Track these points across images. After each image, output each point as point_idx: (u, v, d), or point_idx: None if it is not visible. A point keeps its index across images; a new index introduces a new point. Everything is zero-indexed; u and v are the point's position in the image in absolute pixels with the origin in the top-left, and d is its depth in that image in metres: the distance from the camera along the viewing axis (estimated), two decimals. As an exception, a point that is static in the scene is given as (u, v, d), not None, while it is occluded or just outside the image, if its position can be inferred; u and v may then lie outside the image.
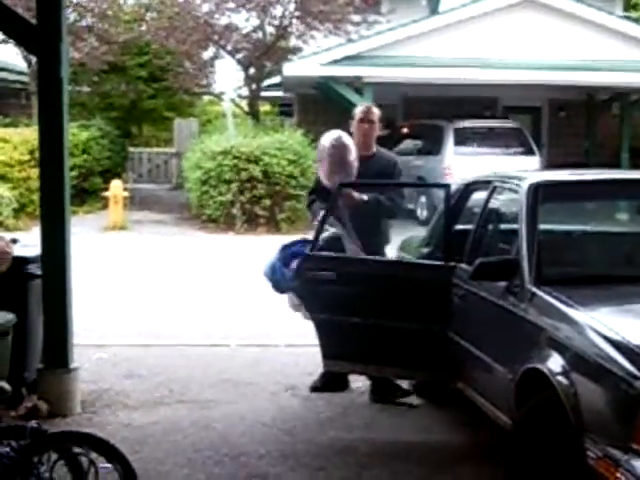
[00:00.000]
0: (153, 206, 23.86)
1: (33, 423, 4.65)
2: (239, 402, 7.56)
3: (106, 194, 20.61)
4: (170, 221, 21.42)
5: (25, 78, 25.02)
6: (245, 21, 25.48)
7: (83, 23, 24.92)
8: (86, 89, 29.05)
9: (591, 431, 4.47)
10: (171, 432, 6.79)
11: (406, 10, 24.47)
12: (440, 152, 20.68)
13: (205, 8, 24.96)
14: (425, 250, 7.68)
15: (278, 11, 24.83)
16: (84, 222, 19.30)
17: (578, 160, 23.49)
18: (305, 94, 23.25)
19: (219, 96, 30.55)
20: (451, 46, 20.38)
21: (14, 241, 7.43)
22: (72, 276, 7.28)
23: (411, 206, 21.13)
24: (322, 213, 7.26)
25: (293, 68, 20.92)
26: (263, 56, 25.49)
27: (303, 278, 7.04)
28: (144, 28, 26.93)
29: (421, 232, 9.33)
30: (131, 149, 30.38)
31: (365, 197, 7.52)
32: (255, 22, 25.35)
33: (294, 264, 7.17)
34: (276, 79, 25.73)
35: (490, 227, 6.78)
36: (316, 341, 7.19)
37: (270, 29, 25.43)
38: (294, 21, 25.11)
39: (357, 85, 20.43)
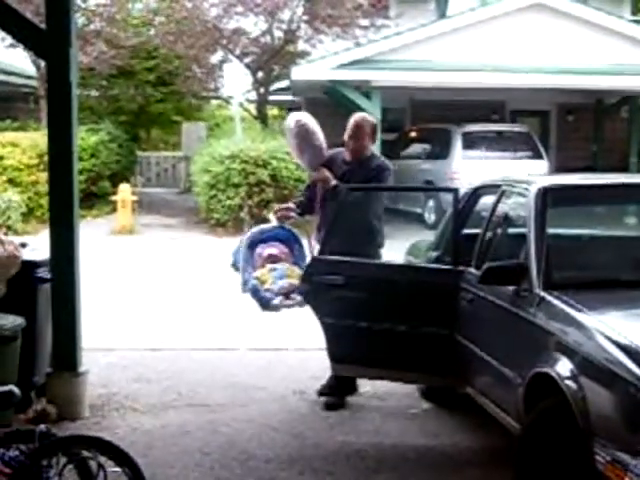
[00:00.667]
0: (161, 210, 23.88)
1: (42, 427, 4.65)
2: (248, 406, 7.56)
3: (114, 198, 20.64)
4: (178, 225, 21.43)
5: (34, 82, 25.05)
6: (253, 25, 25.51)
7: (92, 27, 24.94)
8: (95, 93, 29.07)
9: (600, 435, 4.46)
10: (179, 436, 6.80)
11: (414, 14, 24.49)
12: (448, 156, 20.66)
13: (213, 12, 24.97)
14: (433, 254, 7.67)
15: (286, 15, 24.86)
16: (93, 226, 19.33)
17: (586, 164, 23.47)
18: (313, 98, 23.24)
19: (227, 100, 30.61)
20: (459, 50, 20.35)
21: (23, 245, 7.45)
22: (81, 280, 7.29)
23: (419, 210, 21.15)
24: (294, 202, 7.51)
25: (301, 72, 20.92)
26: (271, 60, 25.51)
27: (311, 282, 7.05)
28: (152, 32, 26.96)
29: (429, 236, 9.31)
30: (139, 153, 30.41)
31: (334, 182, 7.53)
32: (263, 26, 25.37)
33: (258, 249, 7.49)
34: (284, 83, 25.75)
35: (498, 231, 6.77)
36: (324, 345, 7.20)
37: (278, 33, 25.44)
38: (302, 25, 25.13)
39: (365, 89, 20.43)
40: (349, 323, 6.90)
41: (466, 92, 21.87)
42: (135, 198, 20.89)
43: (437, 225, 9.89)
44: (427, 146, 22.44)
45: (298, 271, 7.38)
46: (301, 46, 26.52)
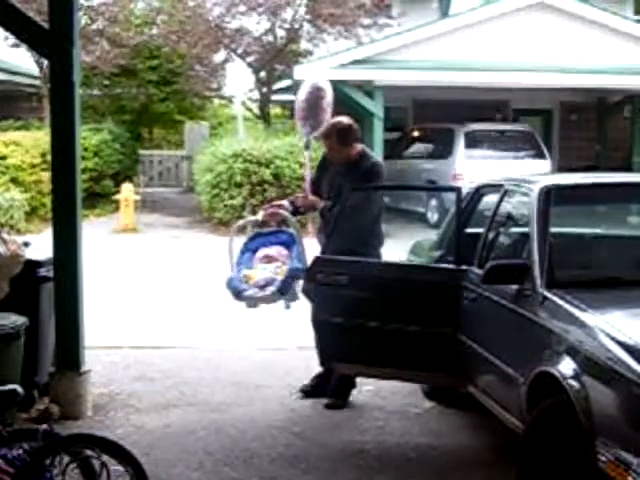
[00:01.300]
0: (164, 209, 23.90)
1: (45, 426, 4.66)
2: (250, 405, 7.57)
3: (117, 197, 20.67)
4: (181, 224, 21.44)
5: (36, 81, 25.06)
6: (256, 24, 25.50)
7: (94, 27, 24.95)
8: (97, 92, 29.10)
9: (602, 434, 4.46)
10: (182, 435, 6.80)
11: (417, 13, 24.49)
12: (451, 155, 20.67)
13: (216, 12, 24.97)
14: (436, 253, 7.68)
15: (289, 14, 24.85)
16: (95, 225, 19.36)
17: (589, 163, 23.46)
18: (316, 97, 23.20)
19: (230, 99, 30.61)
20: (462, 49, 20.35)
21: (26, 244, 7.46)
22: (84, 279, 7.30)
23: (422, 209, 21.15)
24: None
25: (304, 71, 20.87)
26: (274, 59, 25.50)
27: (315, 281, 7.05)
28: (155, 32, 26.99)
29: (432, 235, 9.31)
30: (142, 152, 30.42)
31: (322, 204, 7.57)
32: (266, 25, 25.36)
33: (259, 252, 7.42)
34: (287, 82, 25.70)
35: (501, 230, 6.77)
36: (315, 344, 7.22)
37: (281, 32, 25.44)
38: (305, 24, 25.12)
39: (368, 88, 20.43)
40: (352, 322, 6.90)
41: (469, 91, 21.86)
42: (138, 197, 20.93)
43: (440, 224, 9.89)
44: (430, 145, 22.46)
45: (286, 269, 7.33)
46: (304, 45, 26.53)
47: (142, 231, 20.02)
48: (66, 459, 4.54)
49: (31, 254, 7.32)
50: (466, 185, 8.15)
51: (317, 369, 7.68)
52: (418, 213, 21.30)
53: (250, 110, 29.04)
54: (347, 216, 7.22)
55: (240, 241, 7.55)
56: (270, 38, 25.60)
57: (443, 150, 21.16)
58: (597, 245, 6.84)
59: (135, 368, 8.65)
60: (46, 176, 18.57)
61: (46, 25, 7.23)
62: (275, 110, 33.32)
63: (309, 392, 7.72)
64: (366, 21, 24.70)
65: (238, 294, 7.08)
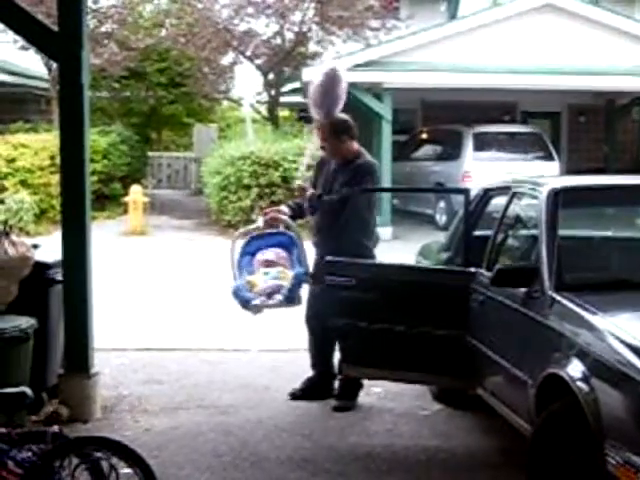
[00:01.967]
0: (172, 211, 23.93)
1: (54, 428, 4.67)
2: (259, 407, 7.57)
3: (126, 199, 20.69)
4: (189, 226, 21.46)
5: (45, 84, 25.11)
6: (264, 27, 25.52)
7: (103, 29, 24.99)
8: (106, 95, 29.16)
9: (611, 437, 4.46)
10: (191, 437, 6.81)
11: (425, 15, 24.50)
12: (459, 157, 20.65)
13: (224, 14, 25.00)
14: (444, 255, 7.67)
15: (297, 17, 24.85)
16: (104, 227, 19.36)
17: (598, 165, 23.43)
18: (324, 100, 23.19)
19: (238, 102, 30.62)
20: (470, 51, 20.33)
21: (35, 246, 7.47)
22: (92, 281, 7.31)
23: (430, 211, 21.14)
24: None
25: (312, 73, 20.85)
26: (282, 62, 25.52)
27: (322, 284, 7.06)
28: (164, 34, 27.04)
29: (440, 237, 9.30)
30: (151, 155, 30.47)
31: (310, 191, 7.60)
32: (274, 28, 25.38)
33: (258, 255, 7.47)
34: (295, 84, 25.71)
35: (510, 233, 6.77)
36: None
37: (289, 35, 25.45)
38: (313, 27, 25.12)
39: (376, 91, 20.42)
40: (360, 325, 6.90)
41: (477, 93, 21.84)
42: (146, 199, 20.94)
43: (448, 226, 9.88)
44: (438, 147, 22.45)
45: (290, 274, 7.31)
46: (312, 48, 26.53)
47: (151, 233, 20.04)
48: (75, 461, 4.55)
49: (40, 256, 7.34)
50: (475, 187, 8.14)
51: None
52: (426, 215, 21.29)
53: (259, 112, 29.06)
54: (336, 216, 7.31)
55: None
56: (278, 40, 25.62)
57: (451, 152, 21.15)
58: (606, 247, 6.82)
59: (144, 370, 8.66)
60: (55, 178, 18.59)
61: (55, 28, 7.25)
62: (283, 112, 33.34)
63: (298, 396, 7.71)
64: (374, 23, 24.71)
65: (246, 304, 7.11)
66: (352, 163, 7.54)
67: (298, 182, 7.91)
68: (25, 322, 6.81)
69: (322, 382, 7.73)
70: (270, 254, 7.44)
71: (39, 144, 20.74)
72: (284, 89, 26.85)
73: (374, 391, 7.86)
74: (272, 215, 7.61)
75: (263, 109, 28.46)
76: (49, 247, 7.86)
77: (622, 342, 4.62)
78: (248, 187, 19.19)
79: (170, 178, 31.57)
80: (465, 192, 7.21)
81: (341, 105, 7.63)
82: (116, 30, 25.11)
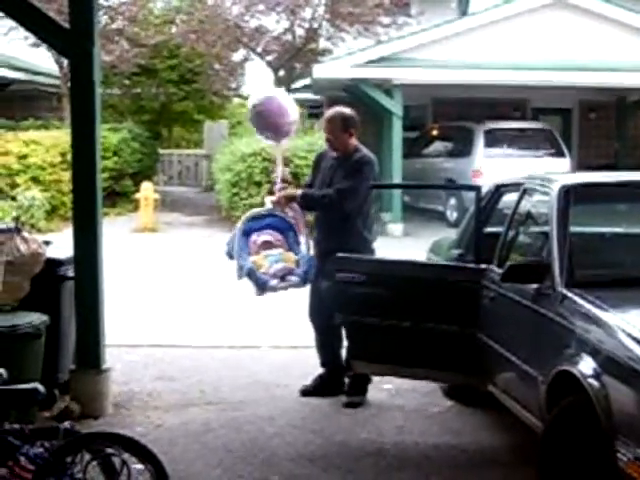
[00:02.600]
0: (183, 208, 23.96)
1: (66, 424, 4.69)
2: (269, 403, 7.58)
3: (137, 196, 20.72)
4: (200, 223, 21.48)
5: (57, 81, 25.16)
6: (275, 23, 25.53)
7: (114, 26, 25.04)
8: (117, 92, 29.20)
9: (622, 434, 4.45)
10: (202, 433, 6.82)
11: (435, 12, 24.44)
12: (470, 154, 20.63)
13: (235, 11, 25.03)
14: (455, 252, 7.67)
15: (308, 13, 24.87)
16: (115, 224, 19.39)
17: (609, 162, 23.37)
18: (335, 96, 23.20)
19: (249, 98, 30.62)
20: (481, 48, 20.29)
21: (46, 243, 7.50)
22: (104, 277, 7.33)
23: (441, 208, 21.13)
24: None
25: (323, 70, 20.91)
26: (293, 58, 25.53)
27: (333, 279, 7.08)
28: (174, 31, 27.06)
29: (451, 234, 9.30)
30: (162, 151, 30.50)
31: (298, 192, 7.80)
32: (285, 24, 25.39)
33: (253, 237, 7.49)
34: (306, 81, 25.75)
35: (521, 229, 6.76)
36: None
37: (300, 31, 25.46)
38: (324, 23, 25.12)
39: (387, 87, 20.41)
40: (371, 321, 6.91)
41: (488, 90, 21.80)
42: (157, 196, 20.96)
43: (459, 223, 9.88)
44: (449, 144, 22.42)
45: (293, 256, 7.43)
46: (323, 44, 26.52)
47: (162, 230, 20.06)
48: (87, 457, 4.56)
49: (52, 253, 7.36)
50: (486, 184, 8.14)
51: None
52: (437, 212, 21.28)
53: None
54: (343, 210, 7.34)
55: None
56: (289, 37, 25.63)
57: (462, 148, 21.13)
58: (617, 244, 6.81)
59: (155, 366, 8.68)
60: (66, 175, 18.62)
61: (66, 25, 7.26)
62: (294, 109, 33.26)
63: (309, 392, 7.72)
64: (385, 20, 24.70)
65: (264, 285, 7.17)
66: (352, 157, 7.56)
67: (274, 196, 7.86)
68: (37, 318, 6.84)
69: (332, 378, 7.73)
70: (267, 236, 7.52)
71: (50, 141, 20.78)
72: (295, 86, 26.84)
73: (385, 388, 7.86)
74: (279, 197, 7.69)
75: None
76: (60, 244, 7.88)
77: (633, 339, 4.61)
78: (259, 184, 19.18)
79: (181, 175, 31.61)
80: (476, 189, 7.21)
81: (288, 122, 7.68)
82: (127, 27, 25.15)
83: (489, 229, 7.16)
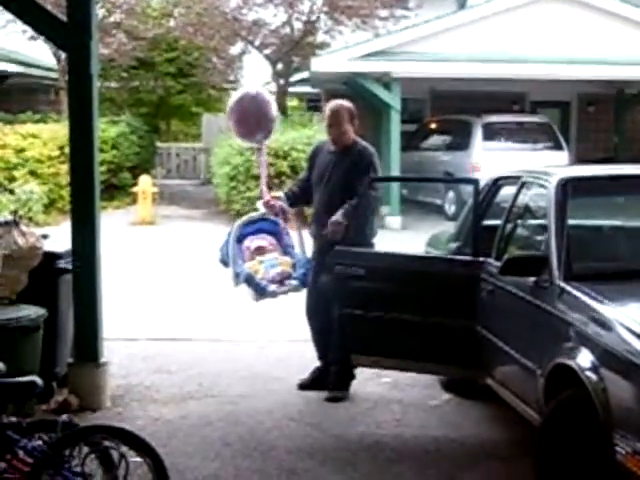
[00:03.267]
0: (181, 201, 23.95)
1: (64, 417, 4.69)
2: (268, 397, 7.58)
3: (135, 189, 20.70)
4: (199, 216, 21.48)
5: (54, 74, 25.14)
6: (273, 16, 25.50)
7: (112, 19, 25.01)
8: (115, 85, 29.19)
9: (620, 427, 4.46)
10: (200, 426, 6.83)
11: (434, 5, 24.39)
12: (468, 147, 20.62)
13: (233, 4, 25.01)
14: (453, 245, 7.67)
15: (306, 6, 24.84)
16: (113, 217, 19.38)
17: (607, 155, 23.37)
18: (333, 89, 23.20)
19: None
20: (479, 41, 20.28)
21: (44, 236, 7.49)
22: (102, 271, 7.32)
23: (439, 201, 21.12)
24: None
25: (321, 63, 20.88)
26: (291, 51, 25.50)
27: (332, 273, 7.08)
28: (172, 24, 27.03)
29: (449, 227, 9.30)
30: (160, 145, 30.49)
31: (286, 207, 7.69)
32: (283, 17, 25.37)
33: (246, 242, 7.50)
34: (304, 74, 25.73)
35: (519, 222, 6.76)
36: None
37: (298, 24, 25.44)
38: (322, 16, 25.10)
39: (385, 80, 20.39)
40: (370, 314, 6.92)
41: (486, 83, 21.78)
42: (155, 189, 20.95)
43: (457, 216, 9.88)
44: (447, 137, 22.41)
45: (289, 260, 7.44)
46: (321, 37, 26.51)
47: (160, 223, 20.06)
48: (85, 450, 4.56)
49: (49, 246, 7.36)
50: (484, 177, 8.13)
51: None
52: (435, 205, 21.28)
53: (267, 102, 29.00)
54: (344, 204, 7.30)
55: None
56: (287, 30, 25.61)
57: (460, 142, 21.12)
58: (615, 237, 6.81)
59: (153, 360, 8.68)
60: (64, 168, 18.63)
61: (64, 18, 7.25)
62: (292, 102, 33.33)
63: (307, 386, 7.72)
64: (383, 13, 24.68)
65: (262, 291, 7.14)
66: (352, 150, 7.55)
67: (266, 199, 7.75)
68: (35, 312, 6.84)
69: (327, 372, 7.72)
70: (260, 241, 7.50)
71: (48, 134, 20.76)
72: (293, 79, 26.84)
73: (383, 381, 7.87)
74: (273, 202, 7.64)
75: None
76: (58, 237, 7.88)
77: (631, 332, 4.62)
78: (257, 177, 19.09)
79: (179, 168, 31.60)
80: (474, 182, 7.21)
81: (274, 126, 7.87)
82: (125, 20, 25.11)
83: (487, 222, 7.16)
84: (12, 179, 19.76)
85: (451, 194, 20.40)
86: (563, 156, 20.16)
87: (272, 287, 7.21)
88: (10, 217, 7.31)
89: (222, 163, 20.31)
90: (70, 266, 7.26)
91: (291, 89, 27.53)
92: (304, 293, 7.69)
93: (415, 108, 24.48)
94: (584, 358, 4.83)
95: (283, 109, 26.22)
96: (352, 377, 7.62)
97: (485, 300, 6.50)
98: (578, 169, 8.49)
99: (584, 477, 4.80)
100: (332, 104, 7.75)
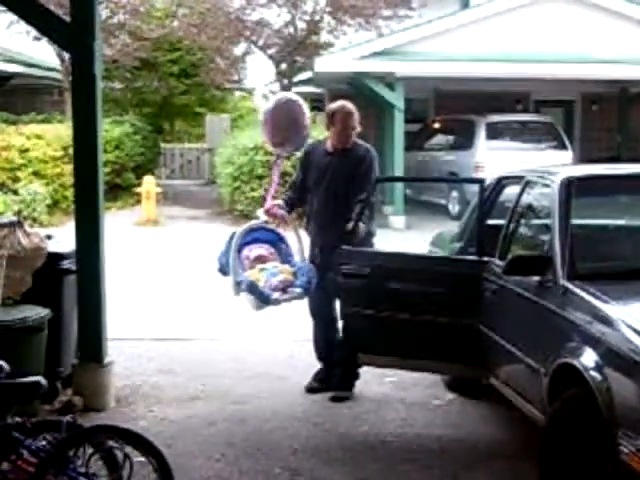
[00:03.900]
0: (185, 202, 23.96)
1: (68, 417, 4.69)
2: (272, 397, 7.59)
3: (139, 190, 20.72)
4: (202, 216, 21.48)
5: (58, 75, 25.16)
6: (276, 17, 25.53)
7: (115, 20, 25.04)
8: (119, 85, 29.21)
9: (624, 426, 4.45)
10: (205, 426, 6.83)
11: (437, 4, 24.38)
12: (472, 147, 20.61)
13: (236, 4, 25.02)
14: (457, 245, 7.67)
15: (309, 6, 24.87)
16: (117, 218, 19.41)
17: (611, 154, 23.35)
18: (336, 89, 23.22)
19: (250, 92, 30.63)
20: (483, 40, 20.27)
21: (48, 237, 7.50)
22: (106, 271, 7.33)
23: (443, 201, 21.12)
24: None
25: (324, 63, 20.89)
26: (294, 51, 25.51)
27: (338, 272, 7.08)
28: (176, 24, 27.04)
29: (453, 227, 9.29)
30: (163, 145, 30.49)
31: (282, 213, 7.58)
32: (286, 17, 25.39)
33: (245, 252, 7.38)
34: (307, 74, 25.72)
35: (523, 222, 6.76)
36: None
37: (301, 24, 25.44)
38: (325, 16, 25.10)
39: (388, 80, 20.39)
40: (375, 313, 6.93)
41: (490, 82, 21.79)
42: (159, 190, 20.96)
43: (461, 216, 9.88)
44: (451, 137, 22.42)
45: (289, 268, 7.31)
46: (324, 37, 26.51)
47: (164, 223, 20.07)
48: (89, 450, 4.57)
49: (53, 247, 7.37)
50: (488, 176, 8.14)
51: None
52: (439, 205, 21.28)
53: (271, 102, 29.02)
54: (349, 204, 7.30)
55: None
56: (291, 30, 25.61)
57: (464, 141, 21.12)
58: (619, 237, 6.80)
59: (158, 360, 8.68)
60: (68, 169, 18.64)
61: (67, 18, 7.26)
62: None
63: (317, 389, 7.70)
64: (386, 13, 24.68)
65: (266, 299, 7.05)
66: (352, 150, 7.55)
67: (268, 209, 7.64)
68: (39, 312, 6.85)
69: (331, 372, 7.73)
70: (260, 250, 7.43)
71: (52, 134, 20.78)
72: (296, 79, 26.83)
73: (387, 381, 7.87)
74: (274, 211, 7.55)
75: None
76: (62, 238, 7.88)
77: (635, 331, 4.61)
78: (261, 177, 19.18)
79: (183, 168, 31.60)
80: (480, 182, 7.21)
81: (307, 134, 7.63)
82: (128, 20, 25.15)
83: (491, 222, 7.15)
84: (16, 179, 19.81)
85: (455, 194, 20.41)
86: (567, 155, 20.15)
87: (275, 295, 7.10)
88: (14, 217, 7.32)
89: (226, 163, 20.33)
90: (74, 266, 7.27)
91: (294, 89, 27.45)
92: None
93: (419, 108, 24.47)
94: (588, 357, 4.82)
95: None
96: (356, 377, 7.62)
97: (489, 299, 6.49)
98: (582, 168, 8.47)
99: (588, 476, 4.80)
100: (346, 105, 7.62)
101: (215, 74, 27.45)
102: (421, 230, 16.68)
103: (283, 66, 26.13)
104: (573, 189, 5.94)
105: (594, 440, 4.72)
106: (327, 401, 7.46)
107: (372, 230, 7.58)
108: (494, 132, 20.67)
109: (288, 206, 7.69)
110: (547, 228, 6.00)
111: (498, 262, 6.38)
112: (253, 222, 7.68)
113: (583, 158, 22.49)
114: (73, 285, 7.27)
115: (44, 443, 4.58)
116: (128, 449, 4.59)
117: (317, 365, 7.83)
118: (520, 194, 6.67)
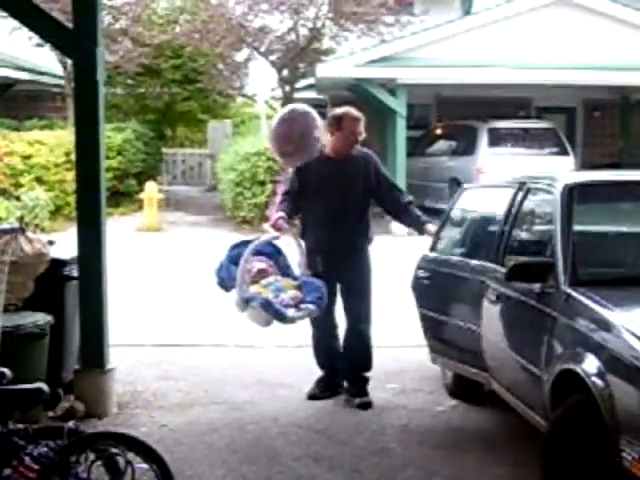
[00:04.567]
0: (187, 208, 23.96)
1: (70, 424, 4.69)
2: (274, 403, 7.58)
3: (141, 196, 20.74)
4: (205, 223, 21.49)
5: (60, 81, 25.18)
6: (278, 23, 25.52)
7: (118, 26, 25.06)
8: (121, 91, 29.23)
9: (626, 432, 4.45)
10: (206, 433, 6.83)
11: (439, 11, 24.45)
12: (474, 153, 20.61)
13: (238, 10, 25.01)
14: (458, 250, 7.68)
15: (311, 13, 24.85)
16: (119, 224, 19.41)
17: (613, 160, 23.34)
18: (338, 95, 23.22)
19: (253, 98, 30.63)
20: (485, 47, 20.29)
21: (50, 243, 7.50)
22: (108, 277, 7.33)
23: (444, 207, 21.10)
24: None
25: (326, 69, 20.91)
26: (296, 57, 25.51)
27: (414, 276, 7.79)
28: (178, 31, 27.08)
29: (455, 233, 9.28)
30: (165, 151, 30.50)
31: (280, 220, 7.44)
32: (288, 24, 25.38)
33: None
34: (309, 80, 25.75)
35: (525, 228, 6.76)
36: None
37: (303, 31, 25.44)
38: (327, 22, 25.11)
39: (391, 86, 20.42)
40: (436, 316, 7.42)
41: (492, 89, 21.80)
42: (161, 196, 20.99)
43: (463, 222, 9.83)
44: (453, 143, 22.40)
45: (291, 281, 7.19)
46: (326, 43, 26.52)
47: (166, 229, 20.08)
48: (91, 456, 4.56)
49: (56, 253, 7.36)
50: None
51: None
52: (442, 211, 21.22)
53: (273, 108, 29.06)
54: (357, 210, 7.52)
55: None
56: (293, 36, 25.62)
57: (466, 147, 21.11)
58: (621, 243, 6.78)
59: (159, 366, 8.68)
60: (70, 175, 18.66)
61: (70, 25, 7.27)
62: (298, 108, 33.24)
63: (319, 396, 7.69)
64: (388, 19, 24.67)
65: (282, 317, 6.84)
66: (354, 156, 7.58)
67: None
68: (41, 318, 6.85)
69: (332, 379, 7.73)
70: (261, 264, 7.30)
71: (54, 141, 20.80)
72: (298, 85, 26.84)
73: (389, 387, 7.87)
74: (280, 224, 7.39)
75: (277, 105, 28.47)
76: (64, 244, 7.88)
77: (637, 337, 4.61)
78: (263, 183, 19.21)
79: (185, 174, 31.60)
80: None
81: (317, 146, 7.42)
82: (130, 27, 25.16)
83: (492, 227, 7.15)
84: (18, 185, 19.81)
85: (457, 199, 20.36)
86: (569, 161, 20.14)
87: (290, 312, 6.88)
88: (16, 224, 7.31)
89: (228, 169, 20.34)
90: (76, 273, 7.27)
91: (297, 95, 27.50)
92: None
93: (421, 114, 24.48)
94: (590, 364, 4.82)
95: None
96: (366, 380, 7.65)
97: (490, 306, 6.49)
98: (584, 175, 8.47)
99: (591, 483, 4.80)
100: (353, 112, 7.55)
101: (217, 80, 27.46)
102: (423, 237, 16.64)
103: (285, 72, 26.13)
104: (575, 195, 5.94)
105: (596, 447, 4.72)
106: (329, 407, 7.47)
107: (370, 236, 7.63)
108: (496, 138, 20.65)
109: (288, 216, 7.63)
110: (549, 234, 5.99)
111: (500, 268, 6.38)
112: (265, 237, 7.43)
113: (585, 164, 22.47)
114: (75, 291, 7.28)
115: (46, 449, 4.57)
116: (130, 455, 4.58)
117: (318, 372, 7.82)
118: (522, 200, 6.67)
